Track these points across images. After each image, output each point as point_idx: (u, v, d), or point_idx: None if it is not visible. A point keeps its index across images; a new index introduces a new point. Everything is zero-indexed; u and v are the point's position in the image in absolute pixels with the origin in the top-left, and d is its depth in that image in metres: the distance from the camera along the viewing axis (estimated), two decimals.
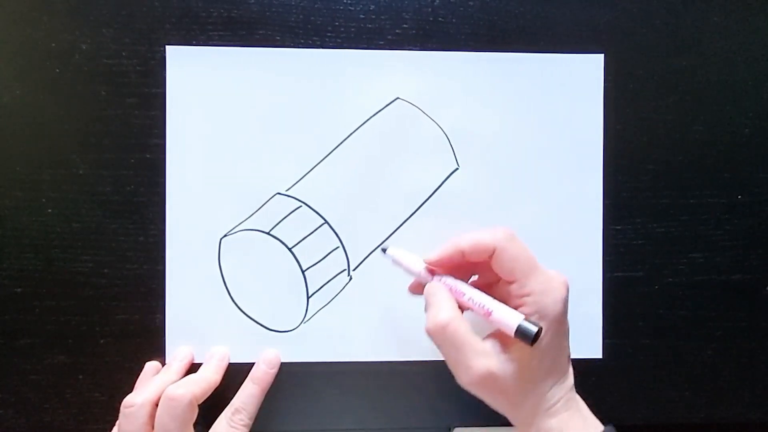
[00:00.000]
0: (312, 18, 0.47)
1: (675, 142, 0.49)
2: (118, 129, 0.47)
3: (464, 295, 0.39)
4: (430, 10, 0.48)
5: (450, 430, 0.49)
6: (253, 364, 0.46)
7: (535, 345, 0.36)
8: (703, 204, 0.49)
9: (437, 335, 0.38)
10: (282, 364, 0.47)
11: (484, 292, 0.40)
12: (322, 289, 0.47)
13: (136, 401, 0.42)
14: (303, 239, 0.47)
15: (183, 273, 0.47)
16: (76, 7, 0.46)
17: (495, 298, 0.39)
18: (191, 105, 0.47)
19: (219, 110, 0.47)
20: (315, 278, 0.47)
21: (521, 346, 0.37)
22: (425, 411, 0.48)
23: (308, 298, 0.47)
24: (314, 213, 0.47)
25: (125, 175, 0.47)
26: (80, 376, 0.47)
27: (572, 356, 0.48)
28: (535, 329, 0.36)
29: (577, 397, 0.40)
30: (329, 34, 0.47)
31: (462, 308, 0.40)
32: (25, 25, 0.46)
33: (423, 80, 0.48)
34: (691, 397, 0.50)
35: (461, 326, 0.38)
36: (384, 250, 0.44)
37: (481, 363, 0.37)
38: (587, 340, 0.49)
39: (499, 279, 0.40)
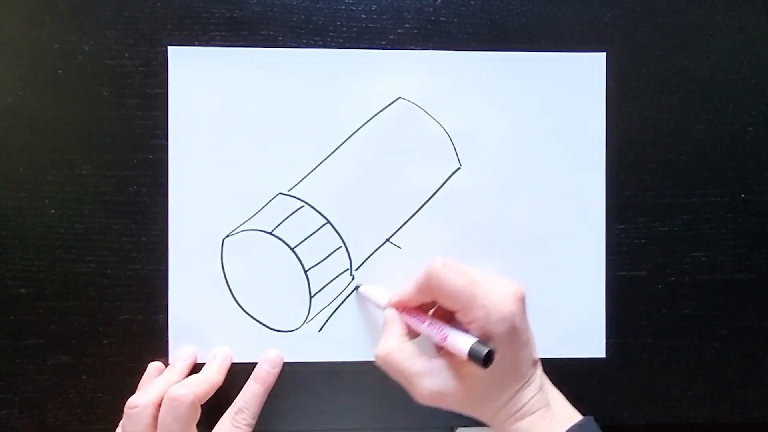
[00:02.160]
0: (314, 18, 0.47)
1: (678, 141, 0.49)
2: (121, 130, 0.47)
3: (423, 323, 0.42)
4: (431, 9, 0.48)
5: (452, 430, 0.49)
6: (256, 364, 0.46)
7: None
8: (706, 203, 0.49)
9: (381, 365, 0.41)
10: (284, 363, 0.47)
11: (445, 320, 0.42)
12: (324, 289, 0.47)
13: (139, 402, 0.42)
14: (305, 239, 0.47)
15: (186, 273, 0.47)
16: (79, 8, 0.46)
17: (453, 324, 0.40)
18: (193, 105, 0.47)
19: (221, 110, 0.47)
20: (317, 278, 0.47)
21: (473, 366, 0.38)
22: (428, 411, 0.48)
23: (311, 298, 0.47)
24: (316, 213, 0.47)
25: (128, 175, 0.47)
26: (84, 377, 0.47)
27: (575, 355, 0.48)
28: (484, 351, 0.37)
29: (550, 394, 0.41)
30: (331, 34, 0.47)
31: (424, 335, 0.42)
32: (28, 26, 0.46)
33: (425, 80, 0.48)
34: (694, 396, 0.49)
35: (401, 354, 0.40)
36: (357, 288, 0.47)
37: (425, 384, 0.39)
38: (590, 340, 0.48)
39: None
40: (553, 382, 0.48)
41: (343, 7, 0.47)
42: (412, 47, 0.48)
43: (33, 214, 0.46)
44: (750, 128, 0.49)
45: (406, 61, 0.47)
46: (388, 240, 0.48)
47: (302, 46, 0.47)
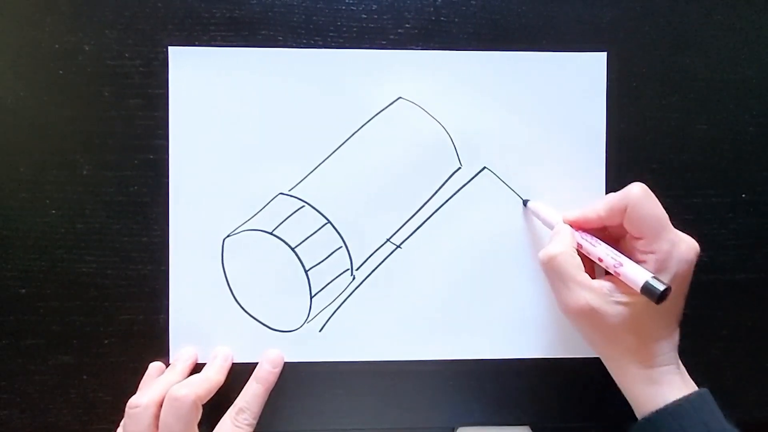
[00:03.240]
0: (314, 18, 0.47)
1: (678, 141, 0.49)
2: (122, 130, 0.47)
3: (597, 245, 0.42)
4: (432, 9, 0.48)
5: (454, 430, 0.49)
6: (257, 364, 0.46)
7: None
8: (707, 203, 0.49)
9: (545, 264, 0.41)
10: (285, 363, 0.47)
11: (612, 244, 0.42)
12: (325, 288, 0.47)
13: (141, 402, 0.42)
14: (306, 239, 0.47)
15: (186, 273, 0.47)
16: (80, 8, 0.46)
17: (622, 252, 0.40)
18: (194, 105, 0.47)
19: (221, 110, 0.47)
20: (318, 278, 0.47)
21: (639, 299, 0.38)
22: (429, 411, 0.48)
23: (311, 298, 0.47)
24: (317, 213, 0.47)
25: (129, 175, 0.47)
26: (85, 377, 0.47)
27: (575, 356, 0.48)
28: (662, 288, 0.37)
29: (678, 358, 0.41)
30: (331, 34, 0.47)
31: (593, 260, 0.42)
32: (29, 26, 0.46)
33: (425, 80, 0.48)
34: None
35: (569, 260, 0.40)
36: (525, 203, 0.47)
37: (582, 296, 0.39)
38: None
39: (626, 234, 0.42)
40: (553, 382, 0.48)
41: (344, 7, 0.47)
42: (412, 47, 0.48)
43: (34, 214, 0.46)
44: (751, 128, 0.49)
45: (407, 61, 0.47)
46: (388, 240, 0.48)
47: (302, 46, 0.47)
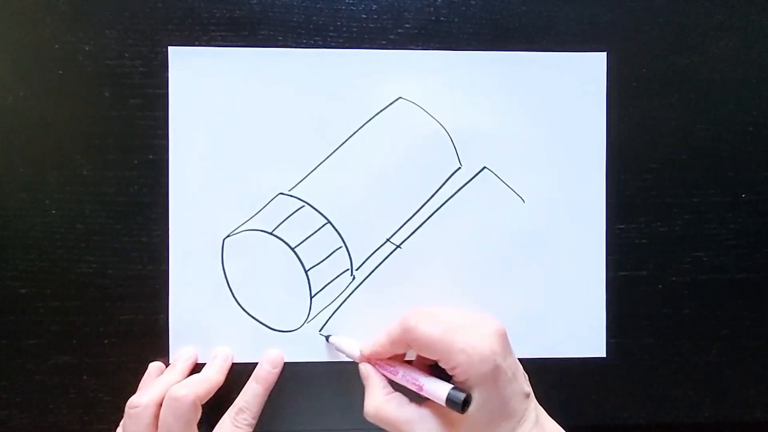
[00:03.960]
0: (314, 18, 0.47)
1: (678, 141, 0.49)
2: (122, 130, 0.47)
3: (397, 374, 0.43)
4: (432, 9, 0.48)
5: None
6: (257, 364, 0.46)
7: (470, 409, 0.38)
8: (707, 203, 0.49)
9: (373, 421, 0.42)
10: (285, 363, 0.47)
11: (424, 365, 0.43)
12: (325, 288, 0.47)
13: (140, 402, 0.42)
14: (306, 239, 0.47)
15: (186, 273, 0.47)
16: (79, 9, 0.46)
17: (433, 371, 0.41)
18: (194, 106, 0.47)
19: (221, 110, 0.47)
20: (318, 278, 0.47)
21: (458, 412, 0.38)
22: None
23: (311, 297, 0.47)
24: (317, 213, 0.47)
25: (129, 175, 0.47)
26: (85, 377, 0.47)
27: (575, 355, 0.48)
28: (462, 397, 0.38)
29: (547, 426, 0.41)
30: (331, 34, 0.47)
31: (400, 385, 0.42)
32: (29, 27, 0.46)
33: (425, 80, 0.48)
34: (695, 397, 0.49)
35: (389, 406, 0.41)
36: (327, 338, 0.47)
37: (425, 429, 0.40)
38: (591, 340, 0.48)
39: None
40: (553, 382, 0.48)
41: (344, 7, 0.47)
42: (412, 47, 0.48)
43: (34, 214, 0.46)
44: (751, 128, 0.49)
45: (407, 61, 0.47)
46: (388, 240, 0.48)
47: (302, 46, 0.47)
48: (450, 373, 0.40)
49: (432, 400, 0.40)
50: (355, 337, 0.47)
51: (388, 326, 0.42)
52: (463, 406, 0.38)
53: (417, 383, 0.41)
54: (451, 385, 0.39)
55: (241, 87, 0.47)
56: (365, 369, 0.44)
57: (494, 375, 0.39)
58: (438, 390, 0.39)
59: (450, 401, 0.38)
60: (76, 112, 0.46)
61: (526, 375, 0.43)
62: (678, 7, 0.49)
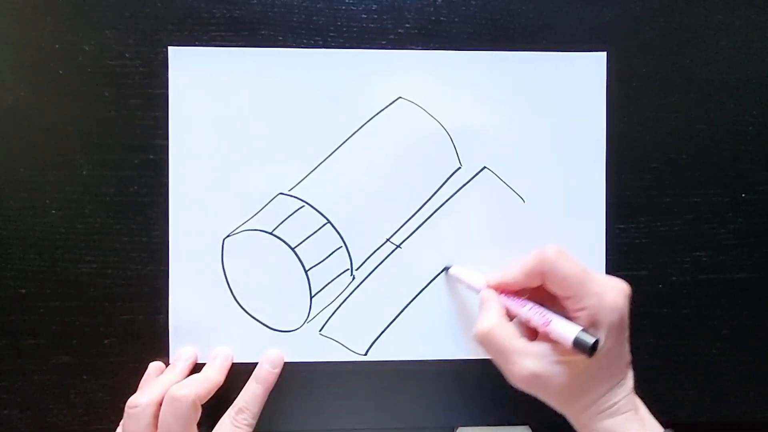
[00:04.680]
0: (314, 18, 0.47)
1: (678, 141, 0.49)
2: (122, 130, 0.47)
3: (523, 307, 0.41)
4: (432, 9, 0.48)
5: (453, 430, 0.49)
6: (257, 363, 0.46)
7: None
8: (707, 202, 0.49)
9: (481, 341, 0.41)
10: (285, 363, 0.47)
11: (544, 304, 0.41)
12: (325, 288, 0.47)
13: (140, 401, 0.42)
14: (306, 239, 0.47)
15: (186, 273, 0.47)
16: (80, 8, 0.46)
17: (554, 310, 0.40)
18: (194, 105, 0.47)
19: (221, 111, 0.47)
20: (318, 278, 0.47)
21: (578, 355, 0.37)
22: (429, 410, 0.48)
23: (311, 297, 0.47)
24: (317, 213, 0.47)
25: (129, 175, 0.47)
26: (85, 377, 0.47)
27: None
28: (591, 340, 0.37)
29: (637, 399, 0.41)
30: (331, 34, 0.47)
31: (523, 319, 0.41)
32: (29, 26, 0.46)
33: (425, 79, 0.48)
34: (695, 397, 0.49)
35: (503, 332, 0.40)
36: (447, 270, 0.47)
37: (525, 365, 0.39)
38: None
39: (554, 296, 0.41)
40: None
41: (344, 7, 0.47)
42: (412, 47, 0.48)
43: (34, 214, 0.46)
44: (750, 128, 0.49)
45: (407, 61, 0.47)
46: (388, 240, 0.48)
47: (302, 46, 0.47)
48: (575, 314, 0.39)
49: (547, 342, 0.39)
50: (357, 334, 0.47)
51: (520, 260, 0.41)
52: (591, 350, 0.37)
53: (545, 318, 0.39)
54: (581, 327, 0.38)
55: (241, 87, 0.47)
56: (487, 294, 0.43)
57: (619, 328, 0.39)
58: (567, 330, 0.38)
59: (578, 343, 0.37)
60: (76, 111, 0.46)
61: None
62: (678, 7, 0.49)
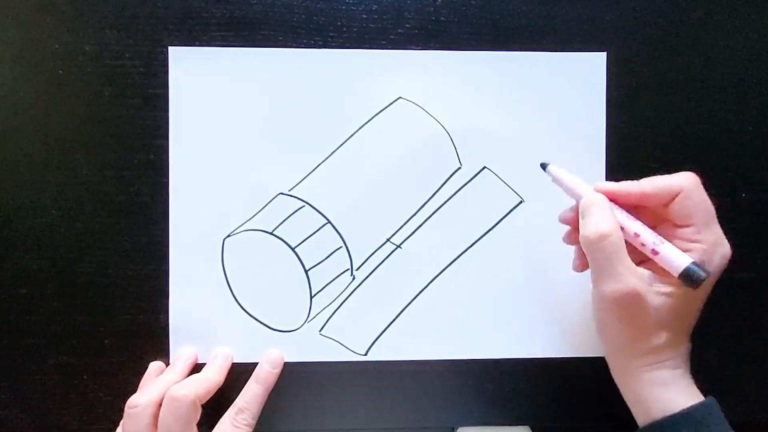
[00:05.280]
0: (314, 18, 0.47)
1: (678, 141, 0.49)
2: (122, 130, 0.47)
3: (635, 222, 0.39)
4: (432, 9, 0.48)
5: (454, 430, 0.49)
6: (257, 363, 0.46)
7: (689, 292, 0.37)
8: None
9: (596, 243, 0.38)
10: (285, 363, 0.47)
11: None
12: (325, 288, 0.47)
13: (140, 401, 0.42)
14: (306, 239, 0.47)
15: (186, 273, 0.47)
16: (80, 8, 0.46)
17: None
18: (194, 105, 0.47)
19: (222, 110, 0.47)
20: (318, 278, 0.47)
21: (677, 290, 0.37)
22: (429, 411, 0.48)
23: (311, 297, 0.47)
24: (317, 213, 0.47)
25: (129, 175, 0.47)
26: (84, 377, 0.47)
27: (576, 355, 0.48)
28: (704, 275, 0.36)
29: (688, 359, 0.41)
30: (332, 34, 0.47)
31: (631, 237, 0.40)
32: (29, 26, 0.46)
33: (425, 80, 0.48)
34: None
35: (619, 241, 0.38)
36: (544, 167, 0.43)
37: (630, 281, 0.37)
38: (591, 340, 0.48)
39: (664, 221, 0.40)
40: (553, 382, 0.48)
41: (344, 7, 0.47)
42: (412, 47, 0.48)
43: (34, 214, 0.46)
44: (751, 128, 0.49)
45: (407, 61, 0.47)
46: (388, 240, 0.48)
47: (303, 46, 0.47)
48: (689, 245, 0.38)
49: (650, 269, 0.39)
50: (357, 334, 0.47)
51: (655, 177, 0.40)
52: (697, 284, 0.36)
53: (655, 243, 0.38)
54: (692, 258, 0.37)
55: (241, 87, 0.47)
56: (600, 198, 0.39)
57: (716, 275, 0.39)
58: (679, 258, 0.37)
59: (689, 274, 0.36)
60: (76, 111, 0.46)
61: None
62: (677, 7, 0.49)
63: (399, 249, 0.48)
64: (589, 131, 0.48)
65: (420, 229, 0.48)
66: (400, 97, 0.48)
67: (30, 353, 0.47)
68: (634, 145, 0.49)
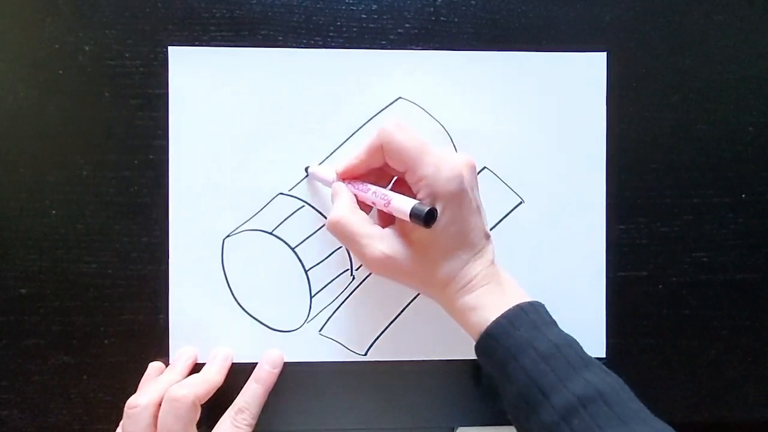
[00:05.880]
0: (314, 18, 0.47)
1: (678, 141, 0.49)
2: (122, 130, 0.47)
3: (368, 191, 0.41)
4: (432, 9, 0.48)
5: (453, 430, 0.49)
6: (257, 364, 0.46)
7: (434, 226, 0.38)
8: (707, 203, 0.49)
9: (333, 230, 0.41)
10: (285, 363, 0.47)
11: (393, 188, 0.43)
12: (325, 288, 0.47)
13: (140, 402, 0.42)
14: (306, 239, 0.47)
15: (186, 273, 0.47)
16: (80, 9, 0.46)
17: (401, 192, 0.41)
18: (194, 105, 0.47)
19: (221, 110, 0.47)
20: (318, 278, 0.47)
21: (420, 229, 0.38)
22: (428, 411, 0.48)
23: (311, 297, 0.47)
24: (317, 213, 0.47)
25: (129, 176, 0.47)
26: (85, 377, 0.47)
27: None
28: (425, 209, 0.37)
29: (500, 272, 0.41)
30: (331, 34, 0.47)
31: (370, 206, 0.42)
32: (29, 27, 0.46)
33: (425, 80, 0.48)
34: (695, 397, 0.49)
35: (353, 218, 0.40)
36: (306, 170, 0.47)
37: (376, 248, 0.39)
38: (590, 340, 0.48)
39: (399, 173, 0.41)
40: None
41: (344, 7, 0.47)
42: (412, 47, 0.48)
43: (34, 214, 0.46)
44: (750, 128, 0.49)
45: (407, 61, 0.47)
46: None
47: (302, 46, 0.47)
48: (416, 187, 0.39)
49: (396, 225, 0.40)
50: (357, 334, 0.47)
51: (366, 141, 0.41)
52: (428, 220, 0.37)
53: (386, 198, 0.40)
54: (416, 201, 0.38)
55: (241, 87, 0.47)
56: (337, 186, 0.43)
57: (459, 197, 0.39)
58: (404, 204, 0.38)
59: (414, 214, 0.37)
60: (76, 112, 0.46)
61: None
62: (678, 7, 0.49)
63: None
64: (590, 132, 0.48)
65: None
66: (400, 97, 0.48)
67: (30, 353, 0.47)
68: (635, 146, 0.49)
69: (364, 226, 0.40)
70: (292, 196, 0.47)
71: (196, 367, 0.46)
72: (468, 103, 0.48)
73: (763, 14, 0.49)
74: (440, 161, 0.39)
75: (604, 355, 0.49)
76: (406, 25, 0.48)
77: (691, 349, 0.49)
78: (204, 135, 0.47)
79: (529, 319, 0.38)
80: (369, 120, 0.47)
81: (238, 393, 0.45)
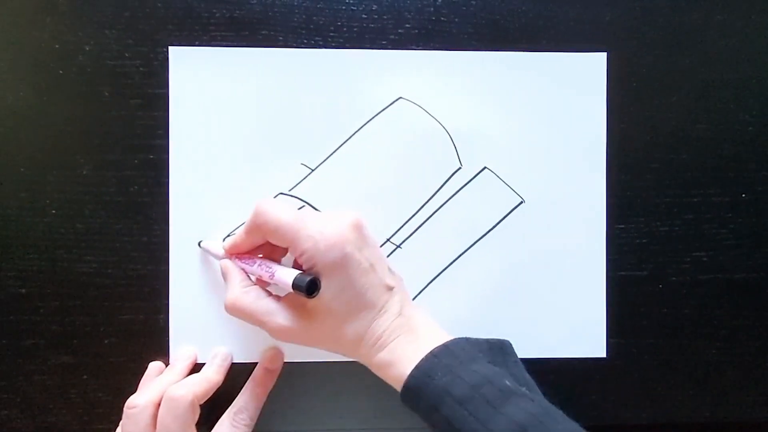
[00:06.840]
0: (314, 18, 0.47)
1: (678, 141, 0.49)
2: (122, 130, 0.47)
3: (254, 264, 0.42)
4: (432, 9, 0.48)
5: None
6: (256, 364, 0.46)
7: (323, 295, 0.38)
8: (707, 203, 0.49)
9: (231, 314, 0.41)
10: (285, 363, 0.47)
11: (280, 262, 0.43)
12: None
13: (138, 402, 0.42)
14: None
15: (186, 273, 0.47)
16: (80, 8, 0.46)
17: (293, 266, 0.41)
18: (194, 105, 0.47)
19: (222, 110, 0.47)
20: None
21: (317, 300, 0.38)
22: None
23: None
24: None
25: (129, 175, 0.47)
26: (84, 377, 0.47)
27: (575, 356, 0.48)
28: (306, 280, 0.37)
29: (416, 320, 0.41)
30: (332, 35, 0.47)
31: (256, 276, 0.43)
32: (29, 26, 0.46)
33: (425, 80, 0.48)
34: (695, 397, 0.49)
35: (246, 299, 0.41)
36: (199, 244, 0.46)
37: (276, 322, 0.40)
38: (591, 340, 0.48)
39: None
40: (553, 382, 0.48)
41: (344, 7, 0.47)
42: (412, 47, 0.48)
43: (34, 214, 0.46)
44: (751, 128, 0.49)
45: (407, 61, 0.47)
46: (388, 240, 0.48)
47: (303, 46, 0.47)
48: (299, 261, 0.40)
49: (291, 294, 0.40)
50: None
51: (247, 219, 0.41)
52: (311, 291, 0.37)
53: (270, 271, 0.40)
54: (299, 271, 0.39)
55: (241, 87, 0.47)
56: (224, 264, 0.43)
57: (344, 263, 0.39)
58: (286, 276, 0.39)
59: (296, 285, 0.38)
60: (76, 111, 0.46)
61: (394, 270, 0.43)
62: (677, 7, 0.49)
63: (399, 249, 0.48)
64: (589, 131, 0.48)
65: (420, 229, 0.48)
66: (401, 97, 0.48)
67: (30, 353, 0.47)
68: (635, 145, 0.49)
69: (259, 303, 0.40)
70: (292, 196, 0.47)
71: (196, 367, 0.46)
72: (468, 103, 0.48)
73: (763, 14, 0.49)
74: (318, 234, 0.39)
75: (604, 355, 0.49)
76: (407, 25, 0.48)
77: (692, 349, 0.49)
78: (204, 135, 0.47)
79: (443, 364, 0.38)
80: (369, 120, 0.47)
81: (238, 393, 0.45)
